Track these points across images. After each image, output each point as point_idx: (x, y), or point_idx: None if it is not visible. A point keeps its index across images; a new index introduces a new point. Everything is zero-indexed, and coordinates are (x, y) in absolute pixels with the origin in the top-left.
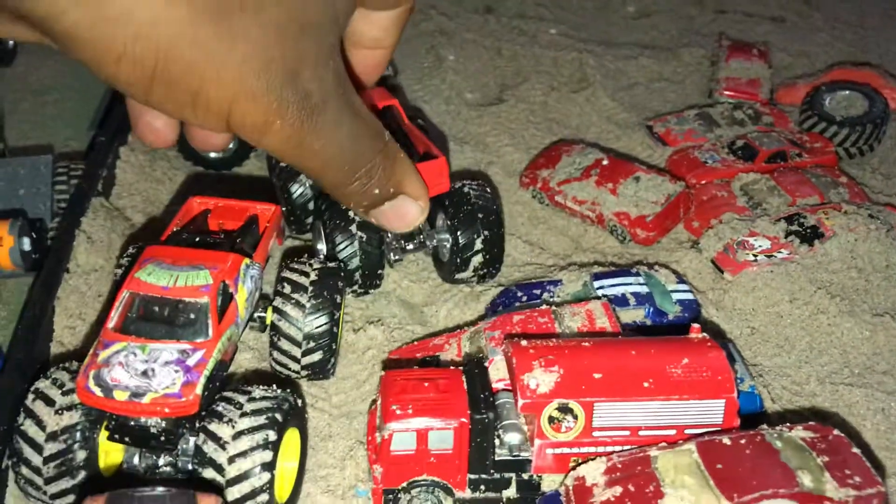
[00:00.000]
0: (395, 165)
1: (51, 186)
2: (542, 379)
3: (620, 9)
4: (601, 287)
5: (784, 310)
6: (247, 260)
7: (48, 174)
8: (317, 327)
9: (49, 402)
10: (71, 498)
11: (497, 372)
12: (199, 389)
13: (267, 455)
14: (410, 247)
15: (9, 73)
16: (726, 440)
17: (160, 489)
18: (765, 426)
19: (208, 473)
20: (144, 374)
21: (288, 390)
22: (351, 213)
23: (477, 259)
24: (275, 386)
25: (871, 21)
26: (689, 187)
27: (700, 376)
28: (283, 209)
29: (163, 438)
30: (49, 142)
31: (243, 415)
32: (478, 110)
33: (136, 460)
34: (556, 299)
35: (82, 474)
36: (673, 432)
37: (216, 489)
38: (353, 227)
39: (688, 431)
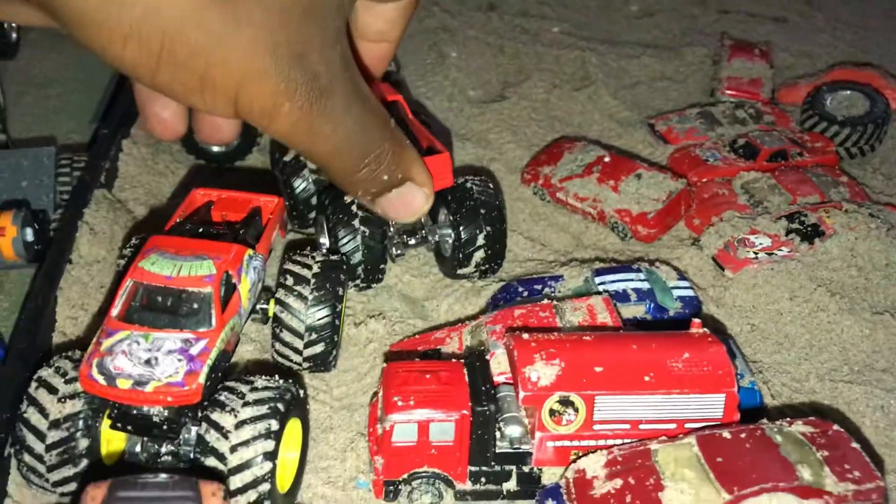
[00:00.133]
0: (402, 152)
1: (53, 178)
2: (543, 372)
3: (623, 8)
4: (602, 283)
5: (784, 307)
6: (250, 251)
7: (51, 166)
8: (319, 319)
9: (52, 390)
10: (73, 486)
11: (498, 365)
12: (202, 378)
13: (269, 444)
14: (412, 242)
15: (12, 65)
16: (726, 434)
17: (163, 476)
18: (765, 421)
19: (210, 462)
20: (147, 362)
21: (290, 381)
22: (354, 209)
23: (479, 255)
24: (277, 376)
25: (872, 22)
26: (691, 185)
27: (700, 370)
28: (287, 204)
29: (165, 427)
30: (52, 134)
31: (246, 404)
32: (480, 107)
33: (138, 449)
34: (558, 294)
35: (84, 462)
36: (673, 426)
37: (218, 477)
38: (356, 223)
39: (688, 425)
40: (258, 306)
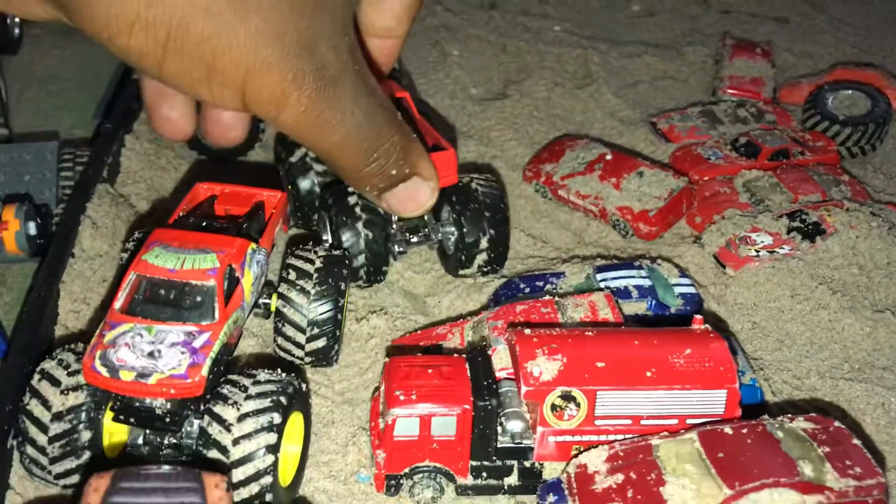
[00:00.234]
0: (410, 146)
1: (56, 172)
2: (545, 367)
3: (625, 7)
4: (604, 279)
5: (785, 305)
6: (253, 245)
7: (53, 160)
8: (321, 314)
9: (55, 382)
10: (75, 478)
11: (500, 361)
12: (204, 371)
13: (271, 438)
14: (415, 239)
15: (15, 61)
16: (728, 430)
17: (166, 467)
18: (766, 417)
19: (212, 455)
20: (150, 355)
21: (293, 375)
22: (357, 210)
23: (482, 256)
24: (279, 370)
25: (874, 23)
26: (692, 183)
27: (702, 366)
28: (293, 205)
29: (168, 420)
30: (54, 129)
31: (248, 398)
32: (482, 105)
33: (140, 441)
34: (559, 291)
35: (87, 455)
36: (675, 421)
37: (220, 470)
38: (360, 225)
39: (689, 421)
40: (260, 301)
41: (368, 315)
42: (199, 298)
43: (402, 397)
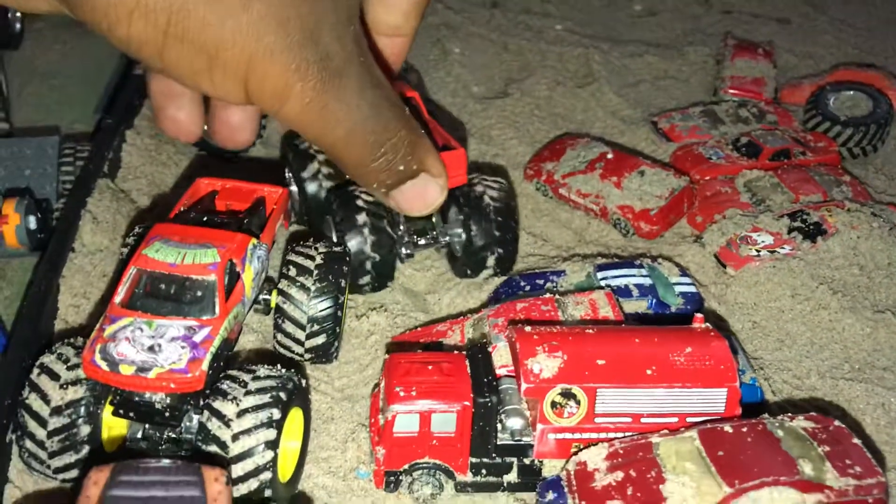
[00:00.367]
0: (417, 141)
1: (57, 167)
2: (545, 364)
3: (626, 7)
4: (605, 278)
5: (786, 305)
6: (254, 240)
7: (54, 155)
8: (321, 311)
9: (54, 376)
10: (74, 472)
11: (500, 358)
12: (205, 366)
13: (271, 433)
14: (422, 242)
15: (16, 55)
16: (728, 428)
17: (166, 460)
18: (766, 416)
19: (212, 450)
20: (151, 349)
21: (292, 370)
22: (363, 215)
23: (490, 261)
24: (279, 366)
25: (875, 24)
26: (693, 183)
27: (702, 365)
28: (300, 209)
29: (167, 414)
30: (55, 124)
31: (248, 393)
32: (483, 103)
33: (139, 436)
34: (560, 289)
35: (86, 449)
36: (675, 419)
37: (220, 464)
38: (366, 231)
39: (690, 419)
40: (261, 297)
41: (368, 312)
42: (199, 293)
43: (401, 394)
